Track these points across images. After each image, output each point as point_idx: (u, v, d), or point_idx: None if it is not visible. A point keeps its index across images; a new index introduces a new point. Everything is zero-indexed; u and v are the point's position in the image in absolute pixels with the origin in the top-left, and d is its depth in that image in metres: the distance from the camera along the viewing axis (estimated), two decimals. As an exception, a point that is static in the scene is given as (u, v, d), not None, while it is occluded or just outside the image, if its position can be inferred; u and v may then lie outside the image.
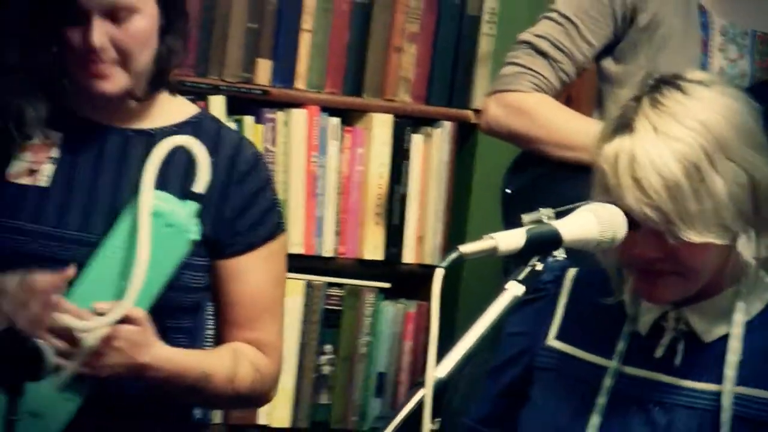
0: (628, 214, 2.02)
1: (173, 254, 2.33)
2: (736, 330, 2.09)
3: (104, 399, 2.31)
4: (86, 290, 2.31)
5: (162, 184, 2.32)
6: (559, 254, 1.98)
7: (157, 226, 2.29)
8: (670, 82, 2.09)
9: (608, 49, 2.93)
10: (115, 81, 2.30)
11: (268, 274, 2.49)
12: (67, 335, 2.22)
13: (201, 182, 2.32)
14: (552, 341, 2.19)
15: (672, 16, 2.89)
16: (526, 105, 2.96)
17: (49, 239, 2.34)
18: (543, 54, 2.94)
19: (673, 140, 2.04)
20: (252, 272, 2.46)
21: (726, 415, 2.02)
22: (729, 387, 2.03)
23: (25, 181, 2.36)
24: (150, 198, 2.30)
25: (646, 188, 2.01)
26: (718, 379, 2.04)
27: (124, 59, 2.32)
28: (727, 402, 2.03)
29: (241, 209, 2.38)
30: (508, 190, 3.03)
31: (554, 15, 2.94)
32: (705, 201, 2.02)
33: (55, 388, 2.27)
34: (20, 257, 2.31)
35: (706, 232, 2.01)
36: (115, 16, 2.29)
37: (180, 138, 2.34)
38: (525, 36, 2.96)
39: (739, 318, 2.08)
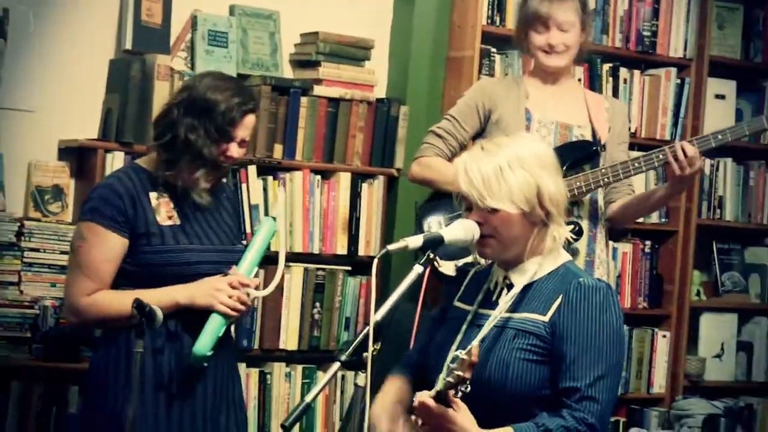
0: (465, 198, 2.40)
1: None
2: (519, 282, 2.44)
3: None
4: (245, 272, 2.89)
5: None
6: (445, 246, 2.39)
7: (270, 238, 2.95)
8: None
9: (478, 135, 3.54)
10: (214, 182, 2.93)
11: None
12: (245, 301, 2.82)
13: (279, 211, 3.16)
14: (455, 302, 2.58)
15: (510, 115, 3.51)
16: (431, 163, 3.56)
17: (195, 252, 2.87)
18: (440, 137, 3.57)
19: (490, 153, 2.42)
20: None
21: (491, 323, 2.41)
22: (498, 312, 2.43)
23: (168, 223, 2.88)
24: (269, 224, 2.93)
25: (470, 176, 2.40)
26: (512, 309, 2.43)
27: (234, 163, 2.93)
28: (496, 318, 2.42)
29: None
30: (423, 221, 3.56)
31: (447, 116, 3.59)
32: (502, 185, 2.38)
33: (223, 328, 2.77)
34: (184, 264, 2.85)
35: (500, 203, 2.38)
36: (240, 144, 2.92)
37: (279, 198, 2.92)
38: (432, 128, 3.60)
39: (527, 274, 2.44)
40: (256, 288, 2.88)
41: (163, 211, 2.84)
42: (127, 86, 3.78)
